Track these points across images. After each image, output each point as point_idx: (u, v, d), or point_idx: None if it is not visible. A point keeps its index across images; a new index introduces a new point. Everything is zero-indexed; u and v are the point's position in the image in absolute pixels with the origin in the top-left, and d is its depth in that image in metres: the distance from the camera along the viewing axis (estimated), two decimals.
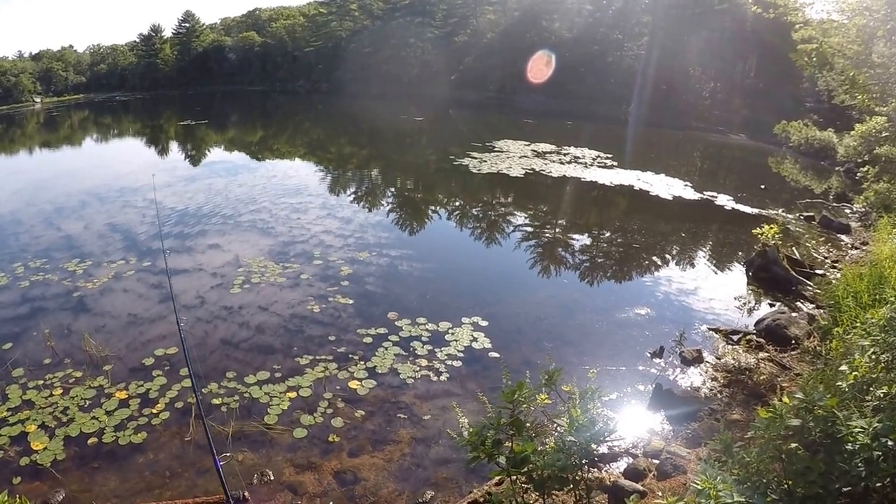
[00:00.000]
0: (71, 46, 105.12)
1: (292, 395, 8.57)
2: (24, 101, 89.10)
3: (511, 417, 4.39)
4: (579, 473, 4.30)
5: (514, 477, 4.33)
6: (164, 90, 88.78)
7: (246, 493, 6.57)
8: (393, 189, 23.57)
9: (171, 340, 10.17)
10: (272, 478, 6.93)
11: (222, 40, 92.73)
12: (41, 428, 8.03)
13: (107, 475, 7.17)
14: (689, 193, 20.10)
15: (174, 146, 40.27)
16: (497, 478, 5.98)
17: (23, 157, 42.06)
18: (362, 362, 9.34)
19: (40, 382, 9.09)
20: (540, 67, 49.18)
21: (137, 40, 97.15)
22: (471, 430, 4.59)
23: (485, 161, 24.41)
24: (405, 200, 21.48)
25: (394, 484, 6.76)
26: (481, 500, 6.15)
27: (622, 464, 6.92)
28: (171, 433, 7.87)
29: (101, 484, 7.03)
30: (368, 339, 10.03)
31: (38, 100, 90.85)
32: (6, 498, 6.32)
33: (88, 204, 21.34)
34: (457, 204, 20.17)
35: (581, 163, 24.19)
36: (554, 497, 4.67)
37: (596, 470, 5.89)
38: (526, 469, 4.14)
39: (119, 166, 30.96)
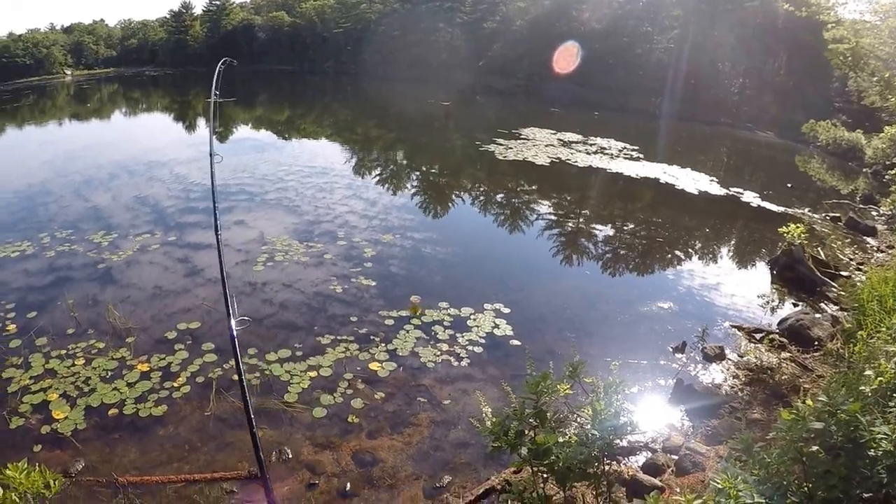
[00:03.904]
0: (102, 20, 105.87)
1: (313, 374, 8.56)
2: (54, 73, 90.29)
3: (535, 408, 4.32)
4: (601, 467, 4.23)
5: (535, 468, 4.27)
6: (193, 66, 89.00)
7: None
8: (418, 172, 23.51)
9: (194, 314, 10.25)
10: (290, 456, 6.93)
11: (252, 19, 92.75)
12: (63, 397, 8.09)
13: (127, 446, 7.21)
14: (715, 189, 19.82)
15: (202, 122, 40.37)
16: (516, 464, 6.03)
17: (52, 128, 42.42)
18: (383, 344, 9.31)
19: (63, 352, 9.14)
20: (567, 58, 48.70)
21: (168, 16, 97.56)
22: (493, 419, 4.53)
23: (511, 148, 24.25)
24: (430, 184, 21.41)
25: (412, 467, 6.74)
26: (498, 487, 6.11)
27: (641, 458, 6.84)
28: (191, 407, 7.89)
29: (121, 455, 7.06)
30: (390, 322, 10.00)
31: (68, 72, 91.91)
32: (26, 465, 6.35)
33: (116, 176, 21.47)
34: (481, 189, 20.07)
35: (607, 153, 23.95)
36: (574, 489, 4.61)
37: (615, 463, 5.83)
38: (548, 461, 4.07)
39: (147, 140, 31.19)
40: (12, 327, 9.94)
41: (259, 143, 28.99)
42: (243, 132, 34.71)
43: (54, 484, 6.36)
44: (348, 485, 6.45)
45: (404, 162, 25.49)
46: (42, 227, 15.30)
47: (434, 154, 27.01)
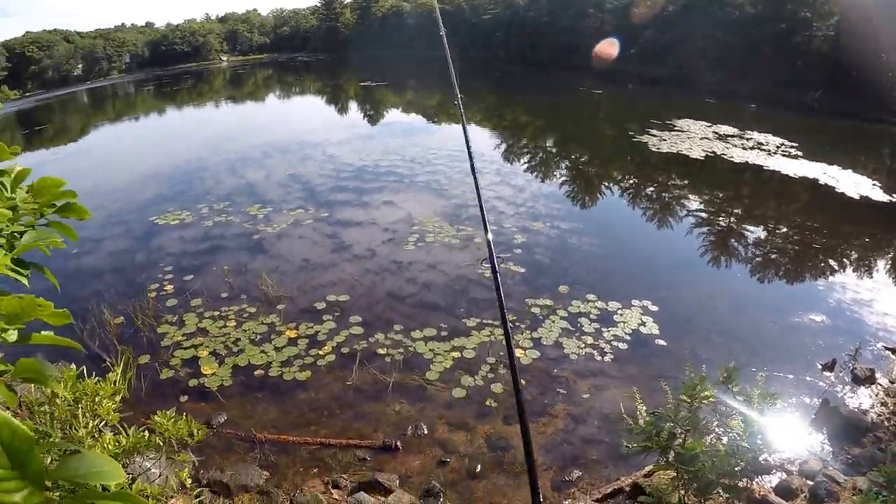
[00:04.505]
0: (255, 10, 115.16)
1: (456, 354, 8.86)
2: (211, 59, 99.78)
3: (689, 412, 4.34)
4: (743, 481, 4.18)
5: (680, 473, 4.28)
6: (343, 52, 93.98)
7: (398, 443, 6.96)
8: (567, 161, 23.39)
9: (342, 287, 11.00)
10: (425, 432, 7.25)
11: (401, 6, 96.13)
12: (212, 355, 9.07)
13: (268, 406, 7.92)
14: (878, 194, 18.09)
15: (353, 105, 42.55)
16: (647, 469, 5.98)
17: (209, 109, 46.50)
18: (528, 332, 9.44)
19: (216, 313, 10.22)
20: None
21: (319, 4, 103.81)
22: (647, 417, 4.58)
23: (664, 139, 23.52)
24: (579, 174, 21.25)
25: (542, 457, 6.82)
26: (627, 489, 6.06)
27: (774, 478, 6.51)
28: (334, 376, 8.47)
29: (262, 413, 7.76)
30: (536, 310, 10.11)
31: (224, 58, 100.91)
32: (174, 414, 7.11)
33: (270, 155, 23.41)
34: (631, 182, 19.62)
35: (764, 149, 22.56)
36: (711, 500, 4.52)
37: (748, 479, 5.61)
38: (694, 468, 4.11)
39: (300, 122, 33.64)
40: (169, 287, 11.29)
41: (409, 127, 30.15)
42: (393, 115, 36.21)
43: (197, 433, 7.11)
44: (479, 467, 6.67)
45: (553, 150, 25.43)
46: (200, 198, 17.14)
47: (584, 143, 26.73)
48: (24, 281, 1.56)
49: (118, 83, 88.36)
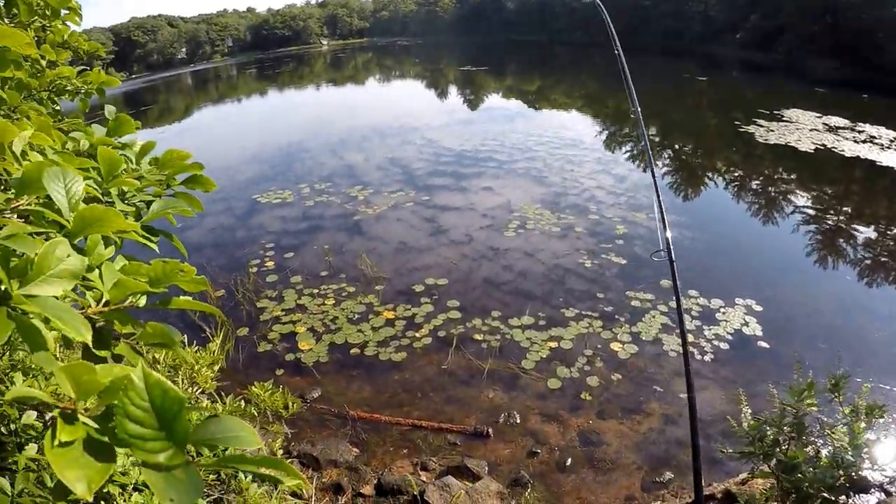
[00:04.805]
0: None
1: (553, 344, 8.73)
2: (311, 43, 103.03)
3: (795, 418, 4.13)
4: (842, 496, 3.93)
5: (781, 483, 4.07)
6: (442, 36, 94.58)
7: (489, 430, 6.92)
8: (670, 151, 22.66)
9: (439, 271, 11.06)
10: (517, 421, 7.17)
11: None
12: (310, 331, 9.30)
13: (362, 384, 8.05)
14: None
15: (452, 90, 42.75)
16: (741, 476, 5.76)
17: (310, 92, 47.67)
18: (627, 325, 9.21)
19: (315, 291, 10.48)
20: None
21: None
22: (752, 421, 4.38)
23: (771, 130, 22.41)
24: (681, 164, 20.56)
25: (634, 455, 6.63)
26: (718, 495, 5.81)
27: (871, 498, 6.06)
28: (429, 359, 8.51)
29: (356, 391, 7.91)
30: (636, 303, 9.85)
31: (324, 42, 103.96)
32: (271, 386, 7.40)
33: (370, 138, 23.83)
34: (736, 174, 18.78)
35: (877, 143, 21.12)
36: None
37: (845, 496, 5.25)
38: (794, 477, 3.91)
39: (400, 106, 34.02)
40: (270, 263, 11.67)
41: (509, 113, 29.97)
42: (493, 101, 36.10)
43: (292, 406, 7.42)
44: (569, 460, 6.54)
45: (656, 139, 24.65)
46: (301, 179, 17.67)
47: (687, 132, 25.86)
48: (154, 247, 1.60)
49: (221, 66, 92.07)
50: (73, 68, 2.87)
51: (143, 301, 1.37)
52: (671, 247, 4.02)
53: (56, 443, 0.81)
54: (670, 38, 62.56)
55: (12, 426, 3.94)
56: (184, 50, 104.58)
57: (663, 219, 4.10)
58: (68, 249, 1.16)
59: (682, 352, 8.37)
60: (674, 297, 9.68)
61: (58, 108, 2.95)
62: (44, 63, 2.82)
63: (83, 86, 2.90)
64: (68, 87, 2.91)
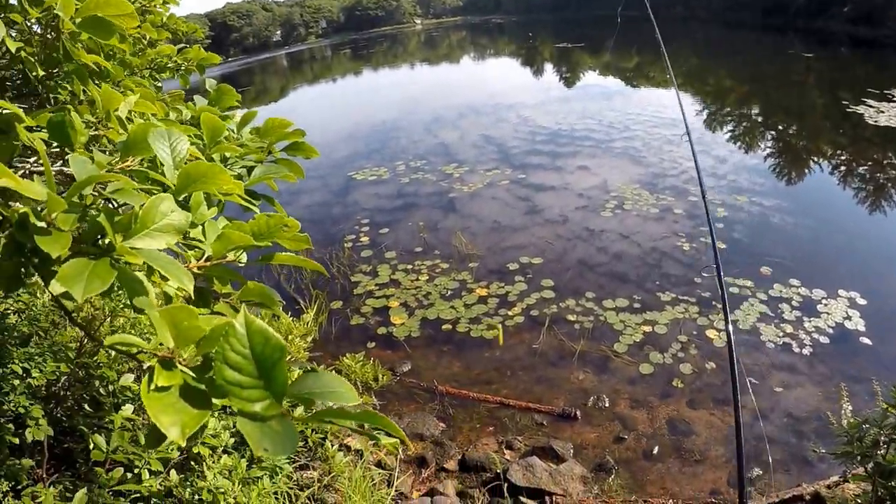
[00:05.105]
0: None
1: (647, 328, 8.51)
2: (405, 23, 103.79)
3: None
4: None
5: (877, 488, 3.83)
6: (538, 13, 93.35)
7: (577, 412, 6.83)
8: (773, 132, 21.55)
9: (533, 251, 10.94)
10: (606, 405, 7.04)
11: None
12: (402, 306, 9.43)
13: (452, 360, 8.12)
14: None
15: (548, 67, 42.19)
16: (832, 479, 5.49)
17: (405, 71, 48.03)
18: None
19: (409, 267, 10.61)
20: None
21: None
22: (852, 420, 4.13)
23: (882, 111, 20.85)
24: (785, 146, 19.50)
25: (724, 448, 6.36)
26: (807, 497, 5.52)
27: None
28: (520, 337, 8.46)
29: (446, 366, 7.97)
30: (734, 290, 9.43)
31: (418, 21, 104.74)
32: (362, 358, 7.56)
33: (465, 116, 23.80)
34: (842, 158, 17.64)
35: None
36: None
37: None
38: (892, 482, 3.68)
39: (494, 84, 33.77)
40: (365, 239, 11.91)
41: (606, 91, 29.27)
42: (590, 78, 35.40)
43: (381, 378, 7.57)
44: (656, 448, 6.36)
45: (759, 119, 23.54)
46: (396, 156, 17.90)
47: (791, 112, 24.47)
48: (256, 210, 1.61)
49: (315, 47, 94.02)
50: (173, 46, 2.97)
51: (244, 258, 1.38)
52: (719, 262, 3.85)
53: (153, 387, 0.81)
54: (773, 13, 59.57)
55: (110, 387, 4.15)
56: (278, 32, 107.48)
57: (712, 234, 3.90)
58: (173, 205, 1.17)
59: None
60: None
61: (159, 85, 3.06)
62: (145, 42, 2.92)
63: (183, 62, 3.00)
64: (169, 65, 3.01)
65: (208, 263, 1.25)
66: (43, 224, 1.09)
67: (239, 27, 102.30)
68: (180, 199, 1.27)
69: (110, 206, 1.31)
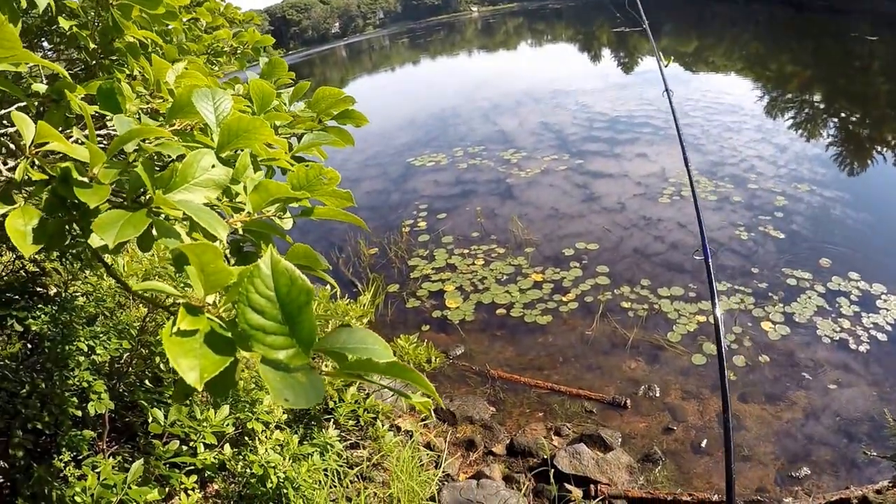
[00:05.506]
0: None
1: (702, 318, 8.27)
2: (461, 11, 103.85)
3: None
4: None
5: None
6: None
7: (628, 401, 6.72)
8: (836, 119, 20.68)
9: (589, 238, 10.78)
10: (657, 395, 6.90)
11: None
12: (458, 290, 9.43)
13: (505, 344, 8.08)
14: None
15: (606, 53, 41.40)
16: (882, 484, 5.31)
17: (462, 59, 47.90)
18: (781, 305, 8.53)
19: (465, 251, 10.61)
20: None
21: None
22: None
23: None
24: (848, 135, 18.67)
25: (772, 445, 6.14)
26: (855, 500, 5.29)
27: None
28: (573, 324, 8.35)
29: (498, 351, 7.94)
30: (792, 282, 9.09)
31: (474, 9, 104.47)
32: (416, 340, 7.59)
33: (523, 103, 23.51)
34: None
35: None
36: None
37: None
38: None
39: (552, 70, 33.36)
40: (422, 224, 11.95)
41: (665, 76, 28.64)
42: (649, 63, 34.58)
43: (434, 360, 7.58)
44: (704, 441, 6.18)
45: (821, 106, 22.64)
46: (454, 143, 17.86)
47: (856, 98, 23.40)
48: None
49: (373, 38, 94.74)
50: (229, 30, 3.00)
51: (288, 221, 1.36)
52: (707, 246, 3.73)
53: (175, 330, 0.77)
54: None
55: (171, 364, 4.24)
56: (337, 24, 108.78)
57: (698, 214, 3.74)
58: (213, 160, 1.15)
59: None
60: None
61: (216, 69, 3.09)
62: (202, 28, 2.95)
63: (239, 46, 3.03)
64: (225, 49, 3.04)
65: (248, 218, 1.22)
66: (85, 179, 1.08)
67: (298, 21, 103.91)
68: (223, 155, 1.24)
69: (153, 163, 1.30)
